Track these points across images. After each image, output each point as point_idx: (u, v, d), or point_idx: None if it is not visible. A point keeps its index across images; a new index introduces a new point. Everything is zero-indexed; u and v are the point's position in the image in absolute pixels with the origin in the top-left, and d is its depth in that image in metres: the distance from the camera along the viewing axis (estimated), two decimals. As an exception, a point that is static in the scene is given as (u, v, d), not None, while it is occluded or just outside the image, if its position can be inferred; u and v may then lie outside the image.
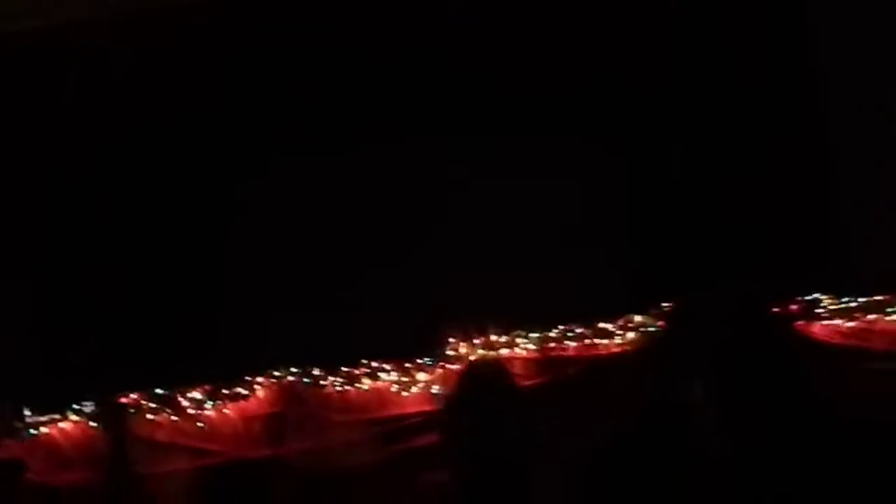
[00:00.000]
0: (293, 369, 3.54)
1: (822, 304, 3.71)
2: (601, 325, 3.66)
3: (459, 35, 3.66)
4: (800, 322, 3.62)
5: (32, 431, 3.31)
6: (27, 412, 3.32)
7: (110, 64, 3.62)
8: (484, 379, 2.48)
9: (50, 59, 3.64)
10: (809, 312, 3.68)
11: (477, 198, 3.74)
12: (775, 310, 3.31)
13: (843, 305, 3.68)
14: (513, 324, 3.62)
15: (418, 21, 3.67)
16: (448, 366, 3.53)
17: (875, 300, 3.60)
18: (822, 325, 3.65)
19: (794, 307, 3.63)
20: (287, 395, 3.48)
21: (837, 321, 3.66)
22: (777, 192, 3.84)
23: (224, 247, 3.71)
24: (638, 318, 3.67)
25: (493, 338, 3.61)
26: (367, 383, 3.56)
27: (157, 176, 3.72)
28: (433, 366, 3.57)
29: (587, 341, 3.63)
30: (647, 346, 3.44)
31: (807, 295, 3.69)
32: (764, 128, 3.84)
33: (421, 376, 3.56)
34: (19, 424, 3.23)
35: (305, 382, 3.52)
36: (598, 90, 3.74)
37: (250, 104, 3.70)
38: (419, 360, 3.58)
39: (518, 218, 3.76)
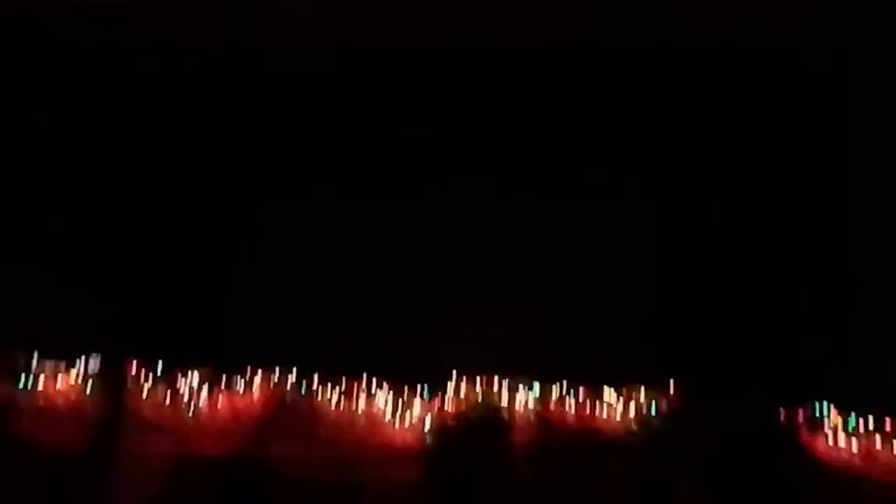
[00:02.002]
0: (293, 372, 3.54)
1: (828, 417, 3.64)
2: (605, 388, 3.62)
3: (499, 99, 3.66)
4: (804, 434, 3.56)
5: (30, 384, 3.34)
6: (33, 361, 3.34)
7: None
8: (479, 424, 2.47)
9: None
10: (815, 425, 3.62)
11: (507, 248, 3.73)
12: (780, 421, 3.29)
13: (849, 424, 3.61)
14: (517, 372, 3.60)
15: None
16: (445, 400, 3.52)
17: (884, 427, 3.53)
18: (825, 443, 3.58)
19: (799, 417, 3.56)
20: (279, 402, 3.48)
21: (840, 440, 3.59)
22: (809, 292, 3.77)
23: (252, 249, 3.72)
24: (642, 391, 3.62)
25: (494, 380, 3.58)
26: (362, 400, 3.55)
27: (204, 173, 3.74)
28: (430, 398, 3.56)
29: (587, 407, 3.59)
30: (645, 436, 3.40)
31: (817, 402, 3.62)
32: (804, 226, 3.77)
33: (416, 404, 3.54)
34: (22, 373, 3.25)
35: (300, 394, 3.52)
36: (625, 155, 3.70)
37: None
38: (417, 387, 3.57)
39: (542, 272, 3.73)
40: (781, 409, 3.44)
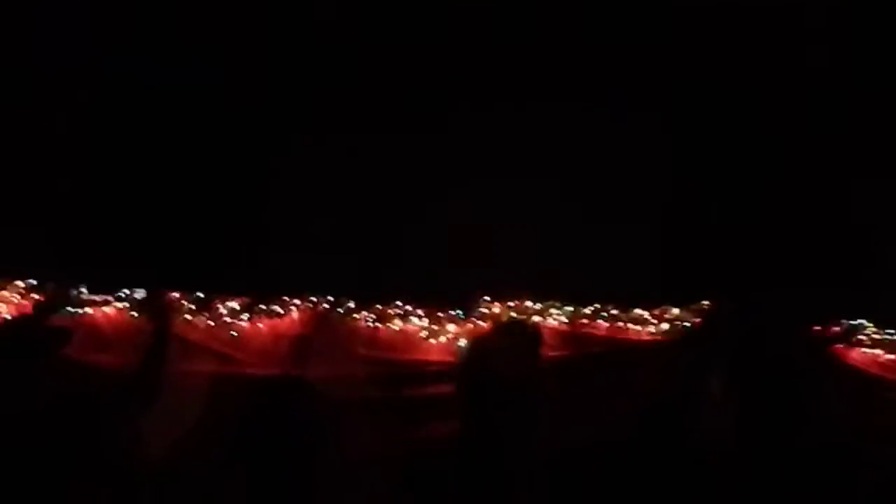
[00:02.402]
0: (329, 297, 3.63)
1: (866, 332, 3.64)
2: (637, 311, 3.66)
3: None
4: (839, 345, 3.56)
5: (78, 310, 3.48)
6: (78, 291, 3.48)
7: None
8: (513, 336, 2.52)
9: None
10: (851, 337, 3.62)
11: (534, 164, 3.75)
12: (815, 328, 3.30)
13: (886, 337, 3.60)
14: (549, 294, 3.64)
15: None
16: (478, 322, 3.58)
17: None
18: (860, 351, 3.59)
19: (835, 328, 3.56)
20: (318, 321, 3.58)
21: (878, 351, 3.59)
22: (840, 212, 3.75)
23: (283, 175, 3.80)
24: (675, 311, 3.65)
25: (527, 304, 3.64)
26: (397, 324, 3.64)
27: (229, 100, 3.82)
28: (464, 320, 3.63)
29: (619, 324, 3.63)
30: (678, 340, 3.44)
31: (852, 319, 3.61)
32: (831, 140, 3.73)
33: (450, 327, 3.62)
34: (68, 303, 3.39)
35: (338, 312, 3.62)
36: (649, 66, 3.68)
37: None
38: (451, 312, 3.64)
39: (572, 191, 3.76)
40: (816, 321, 3.43)
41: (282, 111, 3.84)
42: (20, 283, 3.51)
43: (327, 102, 3.79)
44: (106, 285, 3.58)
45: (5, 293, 3.49)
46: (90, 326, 3.47)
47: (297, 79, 3.85)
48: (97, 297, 3.52)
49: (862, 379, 3.46)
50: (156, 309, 2.98)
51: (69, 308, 3.40)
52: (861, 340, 3.62)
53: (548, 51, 3.72)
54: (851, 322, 3.62)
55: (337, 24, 3.74)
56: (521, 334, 2.73)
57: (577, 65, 3.71)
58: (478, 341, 2.65)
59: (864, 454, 2.24)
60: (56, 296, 3.35)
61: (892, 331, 3.65)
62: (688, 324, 3.60)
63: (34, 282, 3.52)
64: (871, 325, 3.64)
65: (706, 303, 3.54)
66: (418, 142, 3.79)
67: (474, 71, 3.75)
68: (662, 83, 3.73)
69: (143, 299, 3.41)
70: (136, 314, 3.48)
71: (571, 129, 3.72)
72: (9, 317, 3.37)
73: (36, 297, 3.42)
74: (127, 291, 3.54)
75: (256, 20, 3.77)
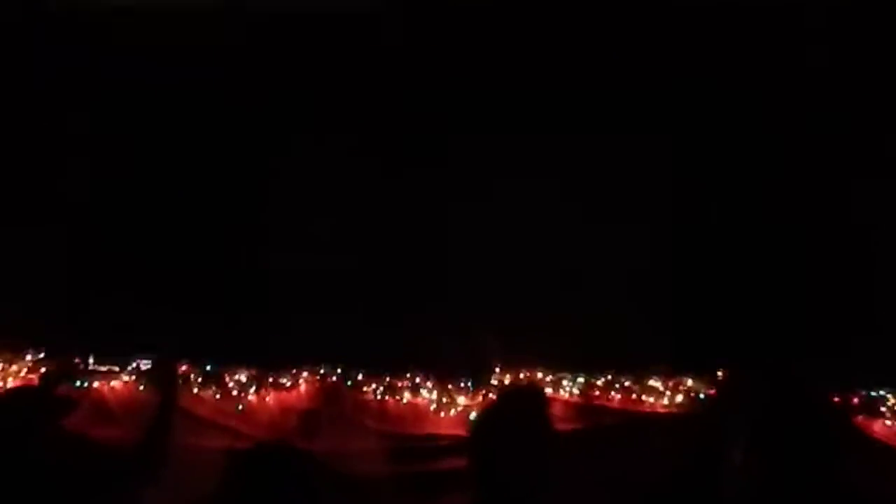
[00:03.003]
0: (338, 369, 3.59)
1: (888, 404, 3.56)
2: (650, 382, 3.59)
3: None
4: (860, 416, 3.48)
5: (84, 384, 3.45)
6: (85, 362, 3.46)
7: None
8: (519, 403, 2.46)
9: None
10: (873, 408, 3.53)
11: (548, 234, 3.75)
12: (831, 398, 3.23)
13: (907, 408, 3.51)
14: (561, 364, 3.59)
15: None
16: (489, 394, 3.52)
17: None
18: (884, 423, 3.50)
19: (855, 399, 3.48)
20: (326, 394, 3.53)
21: (898, 425, 3.49)
22: (862, 278, 3.71)
23: (294, 245, 3.82)
24: (689, 382, 3.58)
25: (539, 374, 3.58)
26: (406, 397, 3.58)
27: (235, 162, 3.87)
28: (474, 391, 3.57)
29: (633, 396, 3.57)
30: (694, 412, 3.36)
31: (872, 390, 3.54)
32: (845, 204, 3.73)
33: (461, 399, 3.56)
34: (75, 374, 3.37)
35: (347, 385, 3.57)
36: (659, 140, 3.71)
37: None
38: (461, 384, 3.59)
39: (586, 263, 3.74)
40: (835, 392, 3.36)
41: (286, 175, 3.87)
42: (29, 357, 3.50)
43: (329, 160, 3.81)
44: (114, 357, 3.56)
45: (13, 368, 3.47)
46: (96, 400, 3.44)
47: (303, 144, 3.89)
48: (104, 369, 3.49)
49: (886, 451, 3.36)
50: (162, 380, 2.95)
51: (76, 380, 3.37)
52: (882, 412, 3.53)
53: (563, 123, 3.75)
54: (871, 392, 3.54)
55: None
56: (526, 401, 2.67)
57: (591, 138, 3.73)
58: (484, 413, 2.60)
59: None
60: (63, 366, 3.33)
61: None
62: (702, 395, 3.53)
63: (42, 355, 3.50)
64: (892, 395, 3.56)
65: (720, 373, 3.48)
66: (424, 216, 3.81)
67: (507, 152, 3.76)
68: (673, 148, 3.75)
69: (150, 370, 3.38)
70: (143, 387, 3.44)
71: (581, 195, 3.74)
72: (15, 386, 3.34)
73: (43, 368, 3.39)
74: (135, 364, 3.52)
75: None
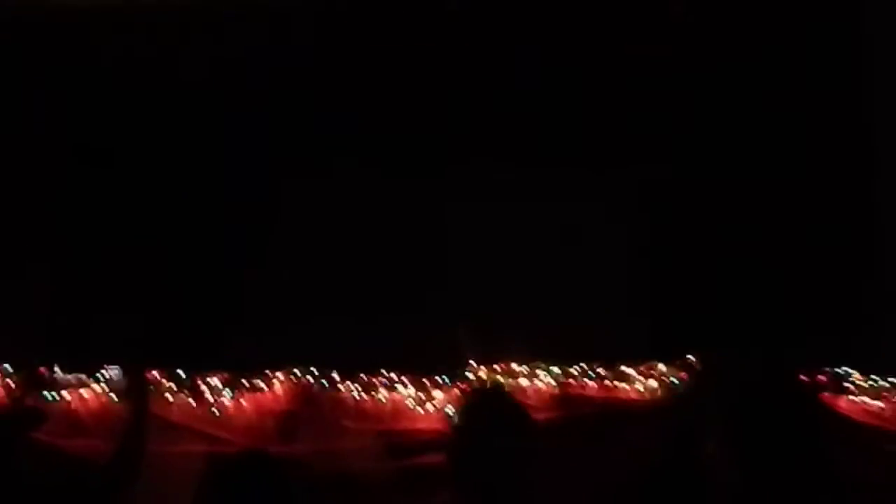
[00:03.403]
0: (313, 370, 3.57)
1: (851, 380, 3.66)
2: (623, 368, 3.64)
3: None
4: (826, 394, 3.57)
5: (54, 395, 3.38)
6: (55, 373, 3.39)
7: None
8: (492, 399, 2.49)
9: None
10: (838, 386, 3.63)
11: (515, 227, 3.76)
12: (801, 378, 3.31)
13: (872, 384, 3.62)
14: (535, 355, 3.62)
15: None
16: (465, 387, 3.54)
17: (903, 383, 3.54)
18: (848, 399, 3.60)
19: (821, 378, 3.58)
20: (302, 395, 3.51)
21: (864, 398, 3.60)
22: (821, 257, 3.79)
23: (262, 246, 3.78)
24: (661, 367, 3.64)
25: (514, 366, 3.61)
26: (383, 394, 3.58)
27: (208, 164, 3.81)
28: (450, 385, 3.58)
29: (608, 383, 3.61)
30: (668, 399, 3.42)
31: (837, 367, 3.63)
32: (813, 184, 3.81)
33: (437, 394, 3.57)
34: (45, 385, 3.30)
35: (322, 385, 3.55)
36: (634, 128, 3.75)
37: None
38: (437, 378, 3.60)
39: (554, 252, 3.77)
40: (802, 372, 3.43)
41: (265, 182, 3.83)
42: (-3, 370, 3.42)
43: (310, 171, 3.79)
44: (81, 366, 3.49)
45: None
46: (66, 410, 3.37)
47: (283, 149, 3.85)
48: (72, 378, 3.42)
49: (854, 427, 3.46)
50: (133, 388, 2.90)
51: (45, 392, 3.31)
52: (847, 388, 3.63)
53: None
54: (836, 370, 3.64)
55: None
56: (499, 396, 2.69)
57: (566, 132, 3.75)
58: (462, 409, 2.61)
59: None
60: (30, 378, 3.26)
61: (876, 377, 3.67)
62: (675, 380, 3.59)
63: (9, 367, 3.42)
64: (855, 372, 3.66)
65: (691, 357, 3.54)
66: (397, 209, 3.79)
67: (462, 130, 3.77)
68: (643, 136, 3.79)
69: (121, 378, 3.33)
70: (114, 397, 3.38)
71: (550, 188, 3.76)
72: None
73: (10, 382, 3.32)
74: (104, 373, 3.46)
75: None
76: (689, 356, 3.56)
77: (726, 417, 2.20)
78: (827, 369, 3.63)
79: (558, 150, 3.75)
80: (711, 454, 2.09)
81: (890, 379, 3.61)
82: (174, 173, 3.78)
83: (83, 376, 3.46)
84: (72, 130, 3.78)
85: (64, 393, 3.42)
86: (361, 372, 3.61)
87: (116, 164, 3.79)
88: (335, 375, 3.58)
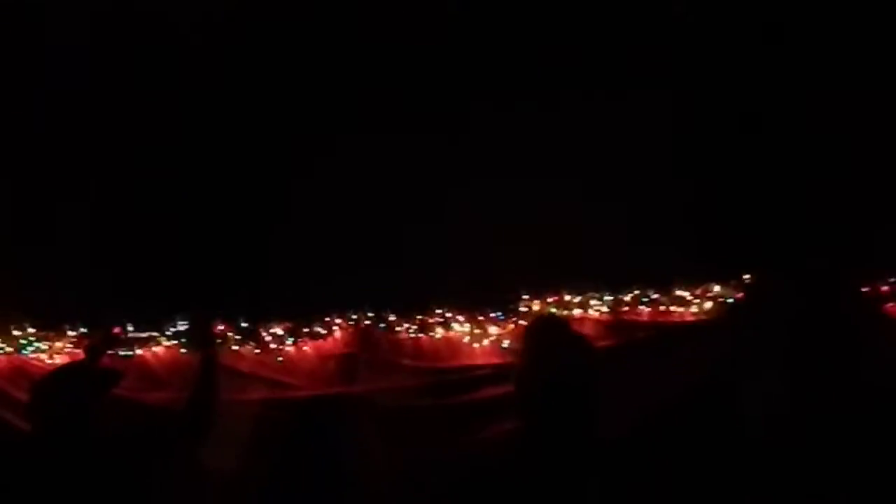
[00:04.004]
0: (369, 313, 3.65)
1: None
2: (678, 292, 3.62)
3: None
4: (891, 304, 3.49)
5: (128, 352, 3.55)
6: (128, 332, 3.55)
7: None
8: (553, 325, 2.51)
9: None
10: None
11: (562, 157, 3.73)
12: (863, 289, 3.23)
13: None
14: (587, 284, 3.62)
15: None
16: (520, 321, 3.58)
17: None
18: (909, 311, 3.50)
19: (884, 288, 3.49)
20: (361, 338, 3.60)
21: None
22: (875, 170, 3.67)
23: (314, 198, 3.84)
24: (717, 288, 3.61)
25: (567, 297, 3.62)
26: (439, 332, 3.65)
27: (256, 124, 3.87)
28: (505, 320, 3.62)
29: (662, 308, 3.60)
30: (724, 317, 3.39)
31: (896, 276, 3.53)
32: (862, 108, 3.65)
33: (492, 329, 3.62)
34: (117, 344, 3.46)
35: (380, 327, 3.64)
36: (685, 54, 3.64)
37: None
38: (492, 314, 3.64)
39: (602, 179, 3.72)
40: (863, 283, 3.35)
41: (300, 133, 3.87)
42: (71, 332, 3.59)
43: (344, 122, 3.81)
44: (151, 322, 3.64)
45: (58, 344, 3.57)
46: (141, 366, 3.54)
47: (315, 106, 3.88)
48: (144, 335, 3.58)
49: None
50: (201, 339, 3.02)
51: (119, 350, 3.47)
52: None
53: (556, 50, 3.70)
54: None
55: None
56: (559, 322, 2.71)
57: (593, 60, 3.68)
58: (525, 336, 2.63)
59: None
60: (104, 337, 3.42)
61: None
62: (731, 299, 3.55)
63: (84, 329, 3.59)
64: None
65: (747, 276, 3.49)
66: (438, 148, 3.80)
67: (492, 72, 3.74)
68: (677, 65, 3.69)
69: (188, 331, 3.46)
70: (184, 350, 3.53)
71: (590, 121, 3.70)
72: (64, 363, 3.45)
73: (86, 342, 3.49)
74: (173, 327, 3.60)
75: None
76: (744, 275, 3.51)
77: (781, 335, 2.18)
78: (891, 280, 3.54)
79: (592, 82, 3.68)
80: (769, 373, 2.07)
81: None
82: (232, 138, 3.85)
83: (155, 333, 3.61)
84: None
85: (137, 349, 3.58)
86: (417, 313, 3.67)
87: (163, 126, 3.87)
88: (391, 317, 3.65)
